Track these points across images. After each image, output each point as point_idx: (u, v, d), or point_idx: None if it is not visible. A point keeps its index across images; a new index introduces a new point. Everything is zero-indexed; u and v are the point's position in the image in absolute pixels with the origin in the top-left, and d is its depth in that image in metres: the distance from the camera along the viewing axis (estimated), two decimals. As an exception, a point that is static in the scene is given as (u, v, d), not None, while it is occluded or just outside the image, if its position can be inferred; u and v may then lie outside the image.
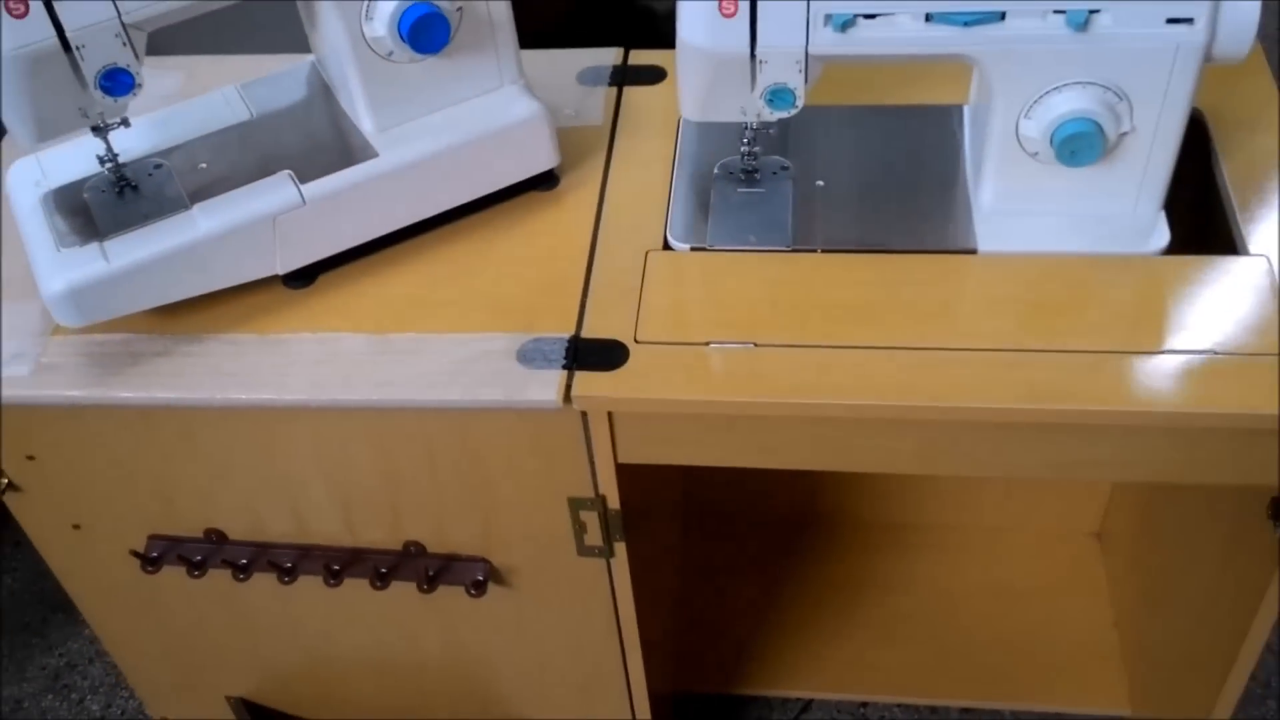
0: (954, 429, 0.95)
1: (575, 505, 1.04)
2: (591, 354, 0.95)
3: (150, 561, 1.13)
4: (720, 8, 0.91)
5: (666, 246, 1.04)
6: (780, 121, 1.00)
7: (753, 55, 0.94)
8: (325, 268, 1.04)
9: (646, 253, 1.03)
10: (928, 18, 0.91)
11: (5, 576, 1.77)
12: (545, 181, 1.10)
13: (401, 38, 0.97)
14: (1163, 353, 0.91)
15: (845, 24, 0.91)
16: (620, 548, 1.07)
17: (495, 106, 1.05)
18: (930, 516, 1.65)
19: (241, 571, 1.13)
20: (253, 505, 1.09)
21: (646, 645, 1.19)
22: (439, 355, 0.97)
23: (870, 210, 1.06)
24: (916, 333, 0.94)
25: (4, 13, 0.85)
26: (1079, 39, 0.90)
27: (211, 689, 1.34)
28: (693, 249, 1.03)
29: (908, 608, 1.57)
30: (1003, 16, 0.90)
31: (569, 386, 0.94)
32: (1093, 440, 0.94)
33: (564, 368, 0.95)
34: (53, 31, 0.87)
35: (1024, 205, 1.00)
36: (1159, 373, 0.90)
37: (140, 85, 0.92)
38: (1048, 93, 0.93)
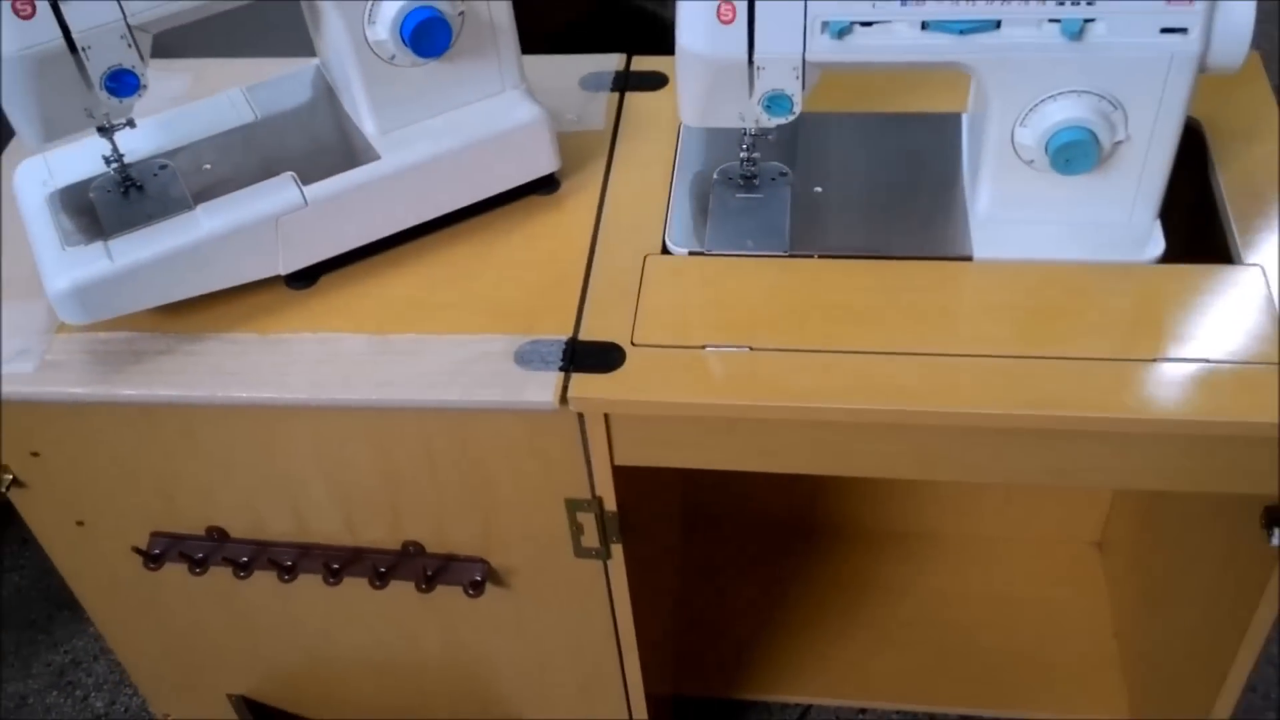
0: (949, 434, 0.95)
1: (572, 507, 1.05)
2: (588, 356, 0.96)
3: (152, 558, 1.14)
4: (718, 14, 0.92)
5: (665, 251, 1.05)
6: (780, 128, 1.01)
7: (750, 61, 0.94)
8: (327, 269, 1.05)
9: (645, 257, 1.03)
10: (924, 26, 0.92)
11: (12, 574, 1.78)
12: (546, 185, 1.10)
13: (404, 41, 0.98)
14: (1158, 360, 0.92)
15: (842, 31, 0.92)
16: (617, 550, 1.08)
17: (497, 110, 1.06)
18: (931, 524, 1.65)
19: (242, 569, 1.14)
20: (253, 503, 1.10)
21: (644, 647, 1.20)
22: (438, 356, 0.98)
23: (868, 216, 1.07)
24: (912, 338, 0.95)
25: (11, 14, 0.86)
26: (1074, 48, 0.91)
27: (212, 687, 1.35)
28: (691, 253, 1.04)
29: (908, 614, 1.58)
30: (998, 25, 0.91)
31: (566, 388, 0.94)
32: (1088, 447, 0.94)
33: (561, 369, 0.96)
34: (59, 32, 0.88)
35: (1020, 213, 1.01)
36: (1155, 380, 0.91)
37: (145, 86, 0.93)
38: (1043, 101, 0.93)
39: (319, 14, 1.02)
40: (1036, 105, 0.94)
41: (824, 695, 1.53)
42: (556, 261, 1.05)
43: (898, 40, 0.93)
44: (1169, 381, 0.91)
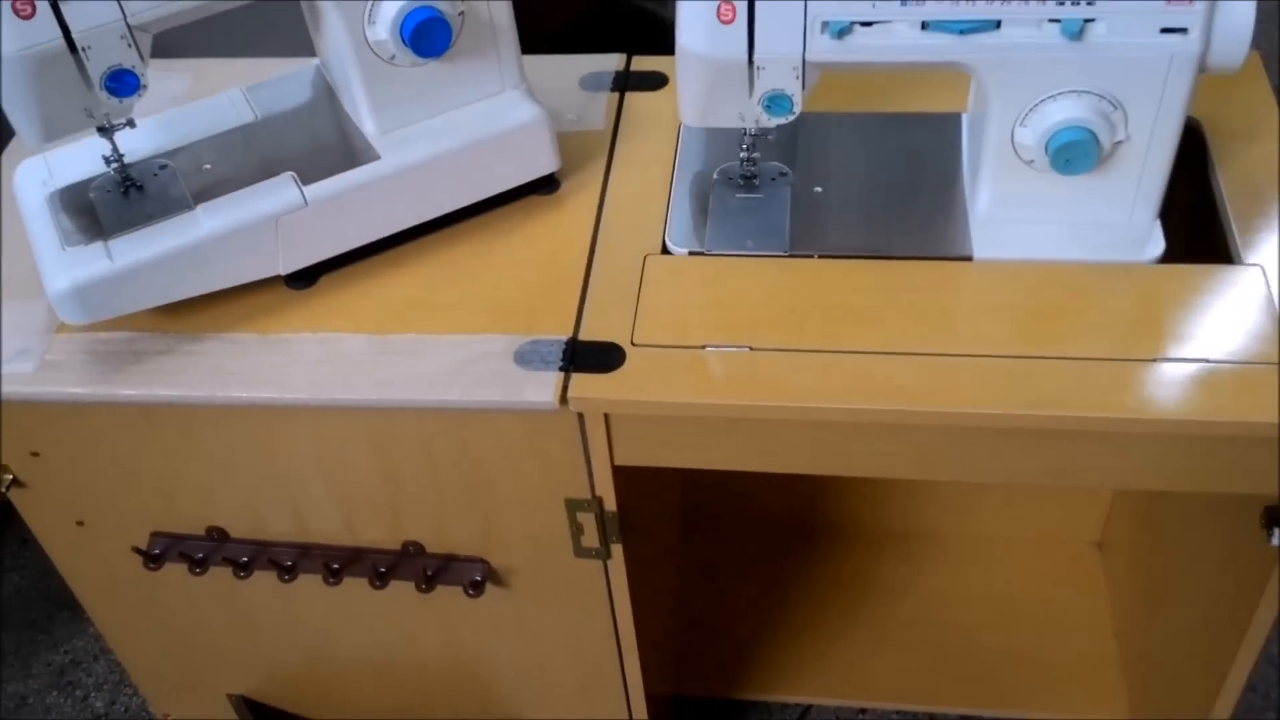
0: (949, 434, 0.95)
1: (572, 506, 1.05)
2: (588, 356, 0.96)
3: (152, 558, 1.14)
4: (718, 14, 0.92)
5: (665, 251, 1.05)
6: (780, 128, 1.01)
7: (750, 61, 0.95)
8: (327, 269, 1.05)
9: (645, 257, 1.04)
10: (924, 25, 0.92)
11: (12, 574, 1.79)
12: (546, 185, 1.10)
13: (403, 41, 0.98)
14: (1158, 360, 0.92)
15: (842, 31, 0.92)
16: (617, 550, 1.08)
17: (497, 110, 1.06)
18: (932, 524, 1.65)
19: (242, 569, 1.14)
20: (253, 503, 1.10)
21: (644, 647, 1.20)
22: (438, 356, 0.98)
23: (868, 216, 1.07)
24: (912, 338, 0.95)
25: (11, 14, 0.86)
26: (1074, 48, 0.91)
27: (212, 687, 1.35)
28: (691, 253, 1.04)
29: (908, 614, 1.58)
30: (998, 25, 0.91)
31: (565, 388, 0.94)
32: (1088, 447, 0.94)
33: (561, 369, 0.96)
34: (59, 32, 0.88)
35: (1020, 213, 1.01)
36: (1155, 380, 0.91)
37: (145, 86, 0.93)
38: (1043, 101, 0.94)
39: (319, 14, 1.02)
40: (1036, 105, 0.94)
41: (824, 695, 1.54)
42: (556, 261, 1.05)
43: (897, 40, 0.93)
44: (1169, 381, 0.91)
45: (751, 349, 0.95)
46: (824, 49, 0.93)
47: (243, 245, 1.00)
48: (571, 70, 1.24)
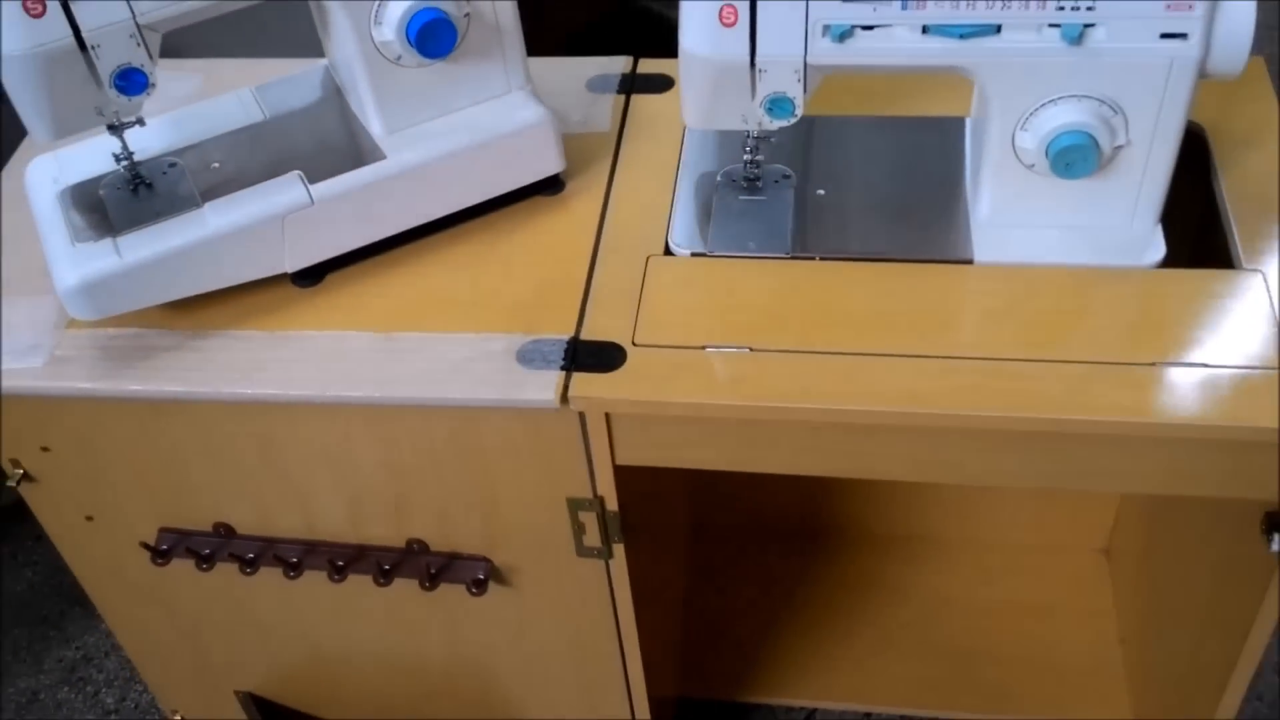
0: (949, 436, 0.96)
1: (574, 506, 1.05)
2: (589, 356, 0.97)
3: (160, 554, 1.15)
4: (720, 16, 0.93)
5: (668, 252, 1.05)
6: (784, 131, 1.01)
7: (752, 64, 0.95)
8: (333, 267, 1.06)
9: (648, 257, 1.04)
10: (924, 29, 0.92)
11: (25, 569, 1.80)
12: (551, 186, 1.11)
13: (409, 42, 0.98)
14: (1159, 365, 0.92)
15: (843, 34, 0.93)
16: (619, 549, 1.08)
17: (502, 111, 1.07)
18: (938, 529, 1.65)
19: (248, 566, 1.15)
20: (260, 500, 1.11)
21: (648, 648, 1.20)
22: (442, 354, 0.99)
23: (870, 219, 1.07)
24: (913, 341, 0.95)
25: (22, 12, 0.87)
26: (1074, 52, 0.91)
27: (221, 683, 1.36)
28: (693, 255, 1.04)
29: (914, 619, 1.58)
30: (998, 29, 0.91)
31: (567, 387, 0.95)
32: (1087, 451, 0.95)
33: (562, 369, 0.96)
34: (69, 31, 0.90)
35: (1020, 217, 1.01)
36: (1155, 385, 0.91)
37: (154, 85, 0.95)
38: (1043, 105, 0.94)
39: (326, 15, 1.03)
40: (1037, 109, 0.94)
41: (829, 699, 1.54)
42: (559, 261, 1.05)
43: (898, 44, 0.93)
44: (1169, 386, 0.91)
45: (752, 350, 0.96)
46: (825, 52, 0.94)
47: (250, 243, 1.01)
48: (578, 72, 1.24)
